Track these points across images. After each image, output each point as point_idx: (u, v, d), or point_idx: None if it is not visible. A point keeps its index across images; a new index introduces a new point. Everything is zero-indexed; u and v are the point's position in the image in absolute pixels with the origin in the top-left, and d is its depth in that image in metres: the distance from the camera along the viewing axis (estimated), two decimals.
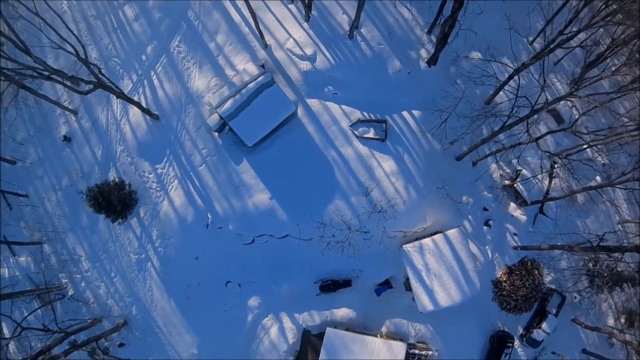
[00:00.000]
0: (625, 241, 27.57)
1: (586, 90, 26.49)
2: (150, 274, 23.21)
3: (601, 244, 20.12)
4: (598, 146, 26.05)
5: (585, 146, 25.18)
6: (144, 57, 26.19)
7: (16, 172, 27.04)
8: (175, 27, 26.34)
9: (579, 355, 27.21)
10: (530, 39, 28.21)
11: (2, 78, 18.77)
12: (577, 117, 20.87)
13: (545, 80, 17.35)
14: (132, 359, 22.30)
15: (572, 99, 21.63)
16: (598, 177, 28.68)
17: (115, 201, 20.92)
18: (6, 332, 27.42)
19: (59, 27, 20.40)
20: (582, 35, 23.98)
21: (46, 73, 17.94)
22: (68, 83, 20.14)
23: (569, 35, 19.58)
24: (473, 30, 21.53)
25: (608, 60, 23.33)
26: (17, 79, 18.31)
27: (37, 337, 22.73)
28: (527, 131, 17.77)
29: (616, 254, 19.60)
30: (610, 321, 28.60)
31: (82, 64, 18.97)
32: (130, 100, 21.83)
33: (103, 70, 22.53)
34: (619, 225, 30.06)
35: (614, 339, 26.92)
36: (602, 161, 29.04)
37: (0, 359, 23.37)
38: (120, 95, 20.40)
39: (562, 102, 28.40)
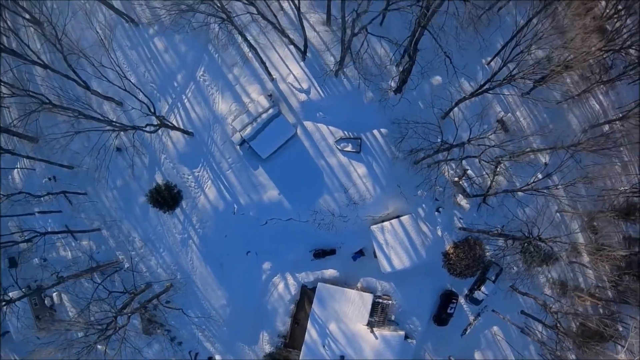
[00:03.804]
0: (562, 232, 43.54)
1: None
2: (191, 248, 40.58)
3: (501, 232, 37.20)
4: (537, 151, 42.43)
5: (528, 150, 41.64)
6: (175, 84, 42.28)
7: (75, 175, 42.64)
8: (199, 59, 42.16)
9: (518, 315, 44.27)
10: (489, 59, 44.40)
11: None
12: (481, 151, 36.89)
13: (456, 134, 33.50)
14: (183, 309, 39.73)
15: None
16: (539, 174, 45.38)
17: (168, 198, 38.10)
18: (69, 305, 44.55)
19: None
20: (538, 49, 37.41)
21: (128, 126, 34.20)
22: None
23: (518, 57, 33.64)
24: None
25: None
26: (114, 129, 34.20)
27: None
28: (446, 162, 34.46)
29: (510, 240, 36.40)
30: (548, 291, 45.73)
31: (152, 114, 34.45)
32: (175, 128, 38.26)
33: (138, 91, 36.18)
34: (557, 214, 46.88)
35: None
36: (544, 161, 45.76)
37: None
38: (173, 127, 37.09)
39: (509, 114, 45.08)
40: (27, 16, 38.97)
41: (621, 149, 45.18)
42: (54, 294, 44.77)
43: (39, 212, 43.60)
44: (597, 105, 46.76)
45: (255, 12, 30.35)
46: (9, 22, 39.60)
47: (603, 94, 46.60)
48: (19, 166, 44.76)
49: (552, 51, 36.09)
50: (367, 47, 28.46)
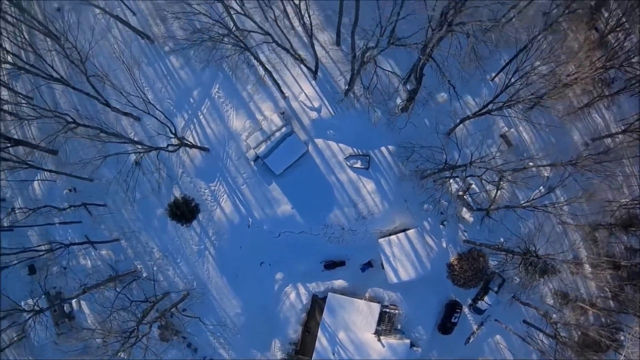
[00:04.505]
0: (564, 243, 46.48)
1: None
2: (207, 259, 43.93)
3: (501, 246, 40.34)
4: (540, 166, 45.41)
5: (531, 164, 44.66)
6: (191, 100, 45.66)
7: (94, 187, 46.20)
8: (214, 77, 45.57)
9: (520, 324, 47.16)
10: (493, 75, 47.49)
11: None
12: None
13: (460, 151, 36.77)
14: (200, 317, 43.00)
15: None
16: (542, 187, 48.44)
17: (186, 212, 41.53)
18: (86, 308, 48.16)
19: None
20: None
21: (152, 147, 37.56)
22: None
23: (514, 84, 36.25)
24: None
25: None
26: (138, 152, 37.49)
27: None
28: (449, 180, 37.57)
29: (510, 254, 39.55)
30: (550, 300, 48.79)
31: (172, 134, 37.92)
32: (193, 146, 41.55)
33: (158, 111, 38.91)
34: (559, 226, 49.84)
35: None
36: (546, 174, 48.77)
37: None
38: (192, 146, 40.44)
39: (512, 129, 48.21)
40: (44, 30, 41.68)
41: (623, 161, 47.92)
42: (74, 301, 47.99)
43: (59, 223, 46.95)
44: (599, 118, 49.44)
45: (271, 41, 33.66)
46: (25, 34, 43.01)
47: (605, 107, 49.22)
48: (39, 178, 48.10)
49: (555, 69, 38.56)
50: (376, 81, 31.64)
